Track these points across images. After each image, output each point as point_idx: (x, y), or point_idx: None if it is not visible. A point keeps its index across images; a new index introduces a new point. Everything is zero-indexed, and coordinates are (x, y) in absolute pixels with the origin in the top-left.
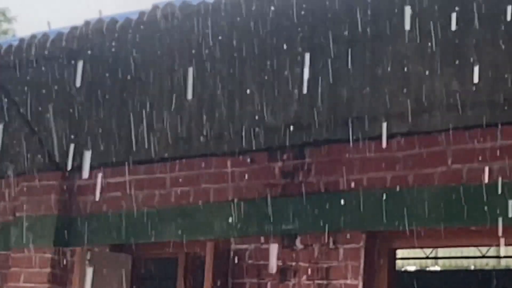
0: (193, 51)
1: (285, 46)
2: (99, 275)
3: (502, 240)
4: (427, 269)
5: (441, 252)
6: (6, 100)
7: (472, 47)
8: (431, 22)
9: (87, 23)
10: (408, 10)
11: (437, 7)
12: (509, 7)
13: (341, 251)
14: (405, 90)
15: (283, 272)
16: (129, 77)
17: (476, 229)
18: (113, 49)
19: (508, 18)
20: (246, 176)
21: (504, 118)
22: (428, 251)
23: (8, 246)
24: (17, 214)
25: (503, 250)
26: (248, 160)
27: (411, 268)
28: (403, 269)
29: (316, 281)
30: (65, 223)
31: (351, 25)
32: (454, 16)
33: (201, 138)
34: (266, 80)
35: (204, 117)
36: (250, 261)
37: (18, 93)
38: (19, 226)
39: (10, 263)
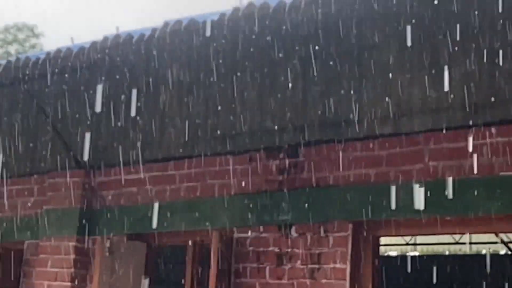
0: (198, 63)
1: (280, 59)
2: (117, 261)
3: (473, 229)
4: (407, 254)
5: (420, 239)
6: (35, 107)
7: (446, 58)
8: (410, 37)
9: (105, 38)
10: (389, 28)
11: (414, 25)
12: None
13: (331, 238)
14: (387, 97)
15: (280, 257)
16: (143, 86)
17: (451, 218)
18: (129, 61)
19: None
20: (247, 173)
21: (474, 121)
22: (408, 238)
23: (37, 235)
24: (45, 208)
25: (474, 238)
26: (248, 158)
27: (393, 253)
28: (386, 254)
29: (309, 266)
30: (87, 215)
31: (339, 40)
32: (429, 31)
33: (207, 140)
34: (264, 88)
35: (210, 121)
36: (250, 248)
37: (45, 101)
38: (46, 218)
39: (39, 250)
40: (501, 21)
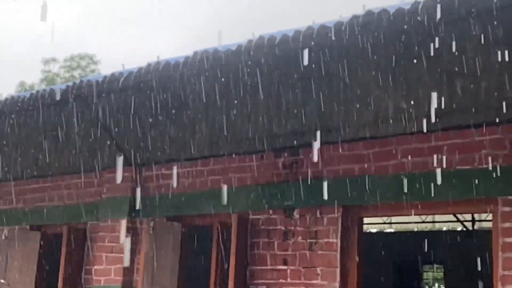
0: (221, 83)
1: (284, 79)
2: (159, 237)
3: (436, 211)
4: (384, 231)
5: (394, 219)
6: (94, 118)
7: (414, 77)
8: (385, 61)
9: (149, 64)
10: (370, 53)
11: (389, 52)
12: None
13: (325, 219)
14: (368, 108)
15: (285, 234)
16: (177, 101)
17: (419, 203)
18: (166, 82)
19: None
20: (259, 168)
21: (436, 127)
22: (385, 218)
23: (97, 217)
24: (103, 196)
25: (437, 217)
26: (260, 157)
27: (373, 230)
28: (368, 231)
29: (308, 240)
30: (135, 201)
31: (330, 64)
32: (398, 57)
33: (228, 142)
34: (271, 102)
35: (230, 128)
36: (262, 227)
37: (103, 113)
38: (105, 204)
39: (99, 229)
40: (457, 49)
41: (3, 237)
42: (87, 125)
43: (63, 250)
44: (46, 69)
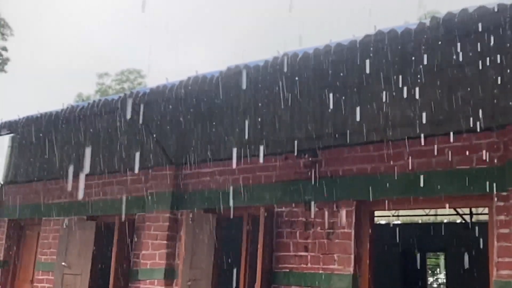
0: (249, 94)
1: (304, 91)
2: (197, 227)
3: (437, 205)
4: (392, 222)
5: (401, 212)
6: (142, 124)
7: (418, 89)
8: (394, 74)
9: (188, 78)
10: (378, 70)
11: (396, 67)
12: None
13: (340, 212)
14: (378, 115)
15: (305, 225)
16: (213, 109)
17: (423, 198)
18: (203, 93)
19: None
20: (283, 167)
21: (438, 131)
22: (393, 212)
23: (144, 209)
24: (149, 191)
25: (439, 211)
26: (284, 158)
27: (382, 222)
28: (378, 223)
29: (326, 230)
30: (177, 196)
31: (346, 77)
32: (405, 71)
33: (256, 145)
34: (294, 110)
35: (257, 133)
36: (286, 218)
37: (149, 120)
38: (150, 198)
39: (145, 220)
40: (455, 64)
41: (64, 226)
42: (135, 130)
43: (115, 237)
44: (100, 82)
